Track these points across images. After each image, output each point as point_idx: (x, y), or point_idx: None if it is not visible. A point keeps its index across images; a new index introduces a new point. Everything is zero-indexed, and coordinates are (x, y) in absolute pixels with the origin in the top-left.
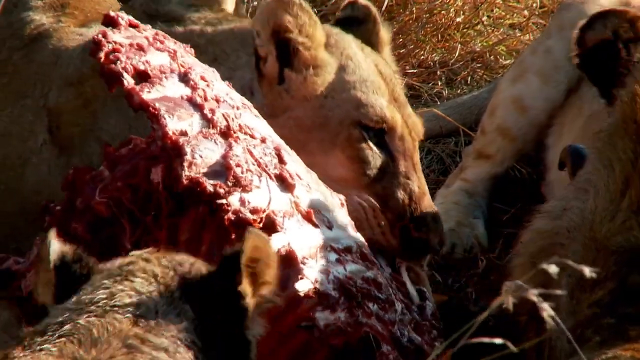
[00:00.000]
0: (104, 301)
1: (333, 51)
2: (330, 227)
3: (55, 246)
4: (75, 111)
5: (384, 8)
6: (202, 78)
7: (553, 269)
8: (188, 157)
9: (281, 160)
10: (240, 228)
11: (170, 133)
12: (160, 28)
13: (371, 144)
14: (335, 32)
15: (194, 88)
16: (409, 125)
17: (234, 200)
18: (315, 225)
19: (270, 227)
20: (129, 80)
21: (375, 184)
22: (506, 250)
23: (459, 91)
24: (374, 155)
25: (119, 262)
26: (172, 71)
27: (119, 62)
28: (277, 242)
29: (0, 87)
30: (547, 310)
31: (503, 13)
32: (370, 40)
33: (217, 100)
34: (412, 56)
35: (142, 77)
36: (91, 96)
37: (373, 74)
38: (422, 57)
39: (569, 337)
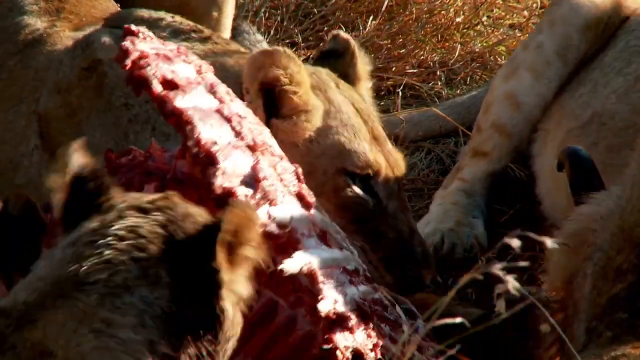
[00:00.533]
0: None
1: (317, 93)
2: (340, 249)
3: (76, 157)
4: (62, 120)
5: (383, 8)
6: (227, 92)
7: (515, 242)
8: (222, 165)
9: (299, 179)
10: (266, 242)
11: (204, 141)
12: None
13: (357, 190)
14: (311, 70)
15: (221, 101)
16: (391, 163)
17: (261, 213)
18: (329, 246)
19: (293, 244)
20: (158, 87)
21: (364, 226)
22: (505, 250)
23: (458, 91)
24: (361, 201)
25: (119, 205)
26: (198, 83)
27: (148, 67)
28: (300, 261)
29: None
30: (511, 282)
31: (503, 13)
32: (347, 72)
33: (239, 116)
34: (411, 56)
35: (170, 85)
36: (77, 106)
37: (353, 115)
38: (422, 57)
39: (554, 325)
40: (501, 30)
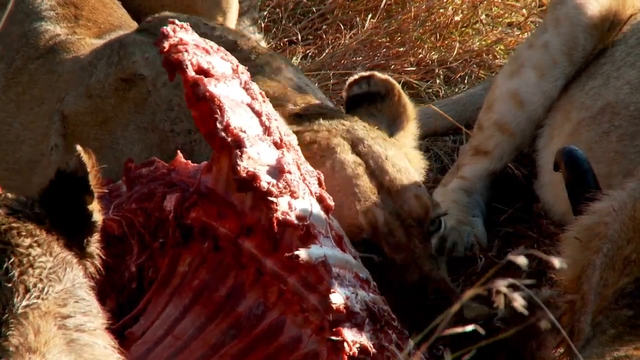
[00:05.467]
0: None
1: (315, 160)
2: (355, 257)
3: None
4: (92, 125)
5: (382, 6)
6: (261, 94)
7: (522, 260)
8: (247, 149)
9: (320, 184)
10: (284, 230)
11: (233, 126)
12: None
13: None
14: (347, 127)
15: (253, 98)
16: (403, 213)
17: (283, 202)
18: (344, 251)
19: (309, 237)
20: (192, 72)
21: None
22: (504, 249)
23: (457, 90)
24: (365, 261)
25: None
26: (233, 79)
27: (185, 53)
28: (315, 253)
29: (15, 96)
30: (518, 300)
31: (501, 12)
32: (395, 115)
33: (268, 116)
34: (410, 55)
35: (205, 74)
36: (111, 115)
37: (352, 174)
38: (421, 55)
39: (555, 323)
40: (500, 29)
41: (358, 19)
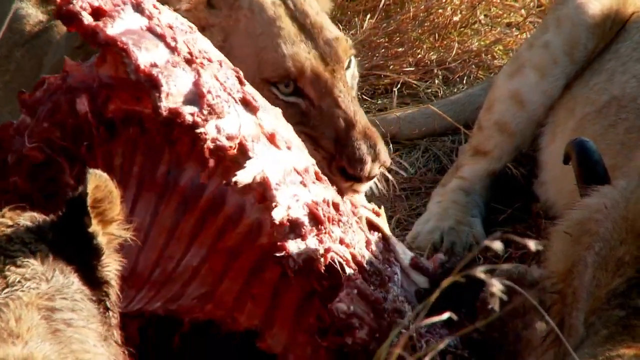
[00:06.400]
0: None
1: (218, 4)
2: (289, 148)
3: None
4: None
5: (381, 7)
6: (154, 6)
7: (497, 245)
8: (164, 88)
9: (241, 82)
10: (218, 156)
11: (142, 66)
12: None
13: (284, 97)
14: None
15: (149, 17)
16: (326, 56)
17: (210, 128)
18: (278, 147)
19: (243, 153)
20: (88, 18)
21: (302, 127)
22: (502, 249)
23: (455, 90)
24: (291, 106)
25: None
26: (124, 2)
27: (75, 1)
28: (252, 169)
29: (2, 85)
30: (496, 285)
31: (500, 12)
32: None
33: (171, 27)
34: (409, 55)
35: (98, 13)
36: None
37: (273, 15)
38: (419, 55)
39: (549, 322)
40: (498, 29)
41: (357, 19)
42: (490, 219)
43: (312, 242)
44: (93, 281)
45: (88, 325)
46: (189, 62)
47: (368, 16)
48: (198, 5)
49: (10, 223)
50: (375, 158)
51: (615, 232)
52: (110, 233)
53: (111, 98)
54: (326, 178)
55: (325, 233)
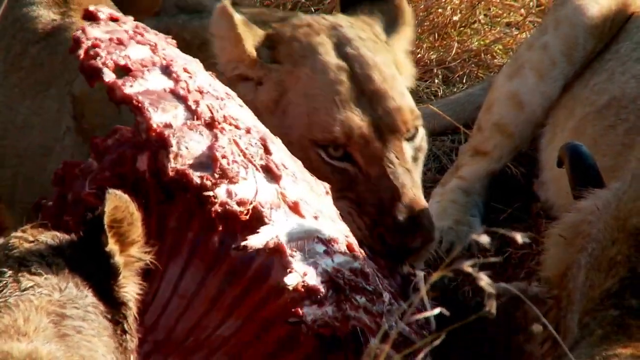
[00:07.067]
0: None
1: (282, 59)
2: (316, 217)
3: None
4: (99, 102)
5: None
6: (185, 70)
7: (484, 238)
8: (174, 148)
9: (267, 151)
10: (227, 220)
11: (155, 125)
12: (182, 20)
13: (330, 161)
14: (303, 32)
15: (176, 80)
16: (382, 125)
17: (220, 192)
18: (302, 216)
19: (257, 219)
20: (109, 75)
21: (346, 192)
22: (502, 249)
23: (455, 89)
24: (338, 170)
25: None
26: (153, 64)
27: (98, 57)
28: (266, 235)
29: (18, 81)
30: (484, 279)
31: (500, 12)
32: (392, 18)
33: (201, 92)
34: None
35: (123, 71)
36: None
37: (334, 78)
38: (419, 55)
39: (543, 320)
40: (498, 28)
41: None
42: (490, 219)
43: (330, 308)
44: (111, 301)
45: (99, 337)
46: (209, 126)
47: None
48: (254, 59)
49: (31, 239)
50: (417, 231)
51: (607, 232)
52: (130, 255)
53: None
54: (361, 249)
55: (346, 301)
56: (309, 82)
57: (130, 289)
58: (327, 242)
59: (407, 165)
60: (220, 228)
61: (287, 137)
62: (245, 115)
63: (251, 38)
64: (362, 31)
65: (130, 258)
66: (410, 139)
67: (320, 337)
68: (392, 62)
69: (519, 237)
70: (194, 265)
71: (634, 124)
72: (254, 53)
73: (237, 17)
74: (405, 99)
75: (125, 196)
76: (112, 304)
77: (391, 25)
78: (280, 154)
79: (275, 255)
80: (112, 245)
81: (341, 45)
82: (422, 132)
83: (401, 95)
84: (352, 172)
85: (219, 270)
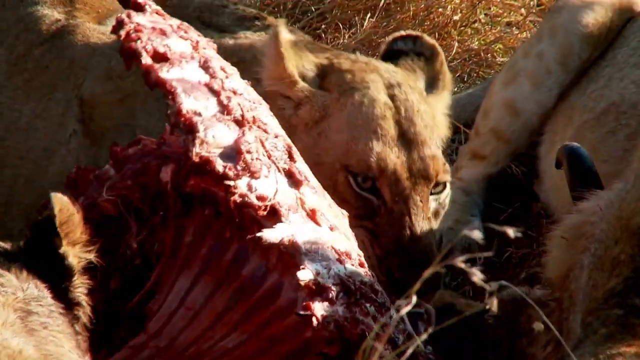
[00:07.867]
0: None
1: (331, 88)
2: (332, 229)
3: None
4: (111, 104)
5: (381, 5)
6: (222, 69)
7: (476, 234)
8: (201, 134)
9: (291, 157)
10: (244, 212)
11: (185, 111)
12: (212, 36)
13: (358, 190)
14: (358, 67)
15: (212, 76)
16: (415, 168)
17: (241, 184)
18: (319, 225)
19: (274, 216)
20: (147, 59)
21: (365, 221)
22: (503, 249)
23: (456, 89)
24: (363, 199)
25: None
26: (192, 58)
27: (139, 41)
28: (281, 232)
29: (21, 83)
30: (477, 275)
31: (500, 11)
32: (432, 79)
33: (234, 92)
34: None
35: (161, 58)
36: (131, 92)
37: (379, 116)
38: None
39: (546, 322)
40: (498, 28)
41: (357, 18)
42: (490, 219)
43: (340, 307)
44: (66, 302)
45: (64, 333)
46: (238, 122)
47: (368, 15)
48: (293, 79)
49: None
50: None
51: (610, 232)
52: (76, 255)
53: (193, 173)
54: (371, 272)
55: (356, 305)
56: (355, 111)
57: (82, 289)
58: (341, 253)
59: (429, 214)
60: (237, 220)
61: (318, 158)
62: (274, 124)
63: (294, 59)
64: (411, 80)
65: (78, 258)
66: (437, 193)
67: (324, 356)
68: (432, 116)
69: (511, 232)
70: (204, 280)
71: (635, 129)
72: (294, 74)
73: (285, 37)
74: (440, 151)
75: (66, 197)
76: (68, 305)
77: (431, 85)
78: (304, 166)
79: (286, 277)
80: (65, 247)
81: (391, 86)
82: (447, 191)
83: (437, 146)
84: (376, 204)
85: (229, 286)
